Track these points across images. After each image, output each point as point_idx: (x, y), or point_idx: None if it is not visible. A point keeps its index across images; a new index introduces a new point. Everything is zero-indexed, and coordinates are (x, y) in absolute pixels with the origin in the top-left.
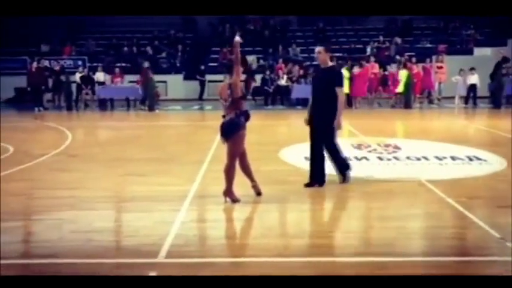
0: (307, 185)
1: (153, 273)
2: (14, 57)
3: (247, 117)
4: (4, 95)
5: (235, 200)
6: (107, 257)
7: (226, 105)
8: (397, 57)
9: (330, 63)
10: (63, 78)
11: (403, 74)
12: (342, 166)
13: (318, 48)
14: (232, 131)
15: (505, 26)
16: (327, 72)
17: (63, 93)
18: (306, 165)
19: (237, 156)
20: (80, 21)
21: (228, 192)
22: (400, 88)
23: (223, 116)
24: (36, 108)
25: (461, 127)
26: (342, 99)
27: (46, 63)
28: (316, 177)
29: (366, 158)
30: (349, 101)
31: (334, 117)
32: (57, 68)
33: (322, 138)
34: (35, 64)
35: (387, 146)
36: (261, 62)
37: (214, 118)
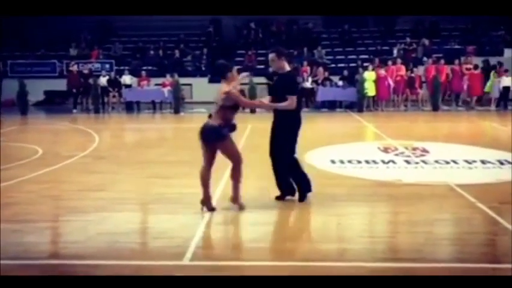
0: (278, 198)
1: (178, 274)
2: (43, 60)
3: (232, 129)
4: (34, 98)
5: (242, 207)
6: (132, 259)
7: (216, 109)
8: (425, 58)
9: (287, 68)
10: (91, 81)
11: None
12: (303, 184)
13: (270, 56)
14: (216, 139)
15: None
16: (282, 78)
17: (91, 96)
18: (331, 169)
19: (239, 156)
20: (107, 25)
21: (234, 198)
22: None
23: (209, 116)
24: (74, 110)
25: (491, 130)
26: (285, 105)
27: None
28: (284, 189)
29: (393, 161)
30: (375, 103)
31: (291, 128)
32: (86, 71)
33: (280, 149)
34: (75, 67)
35: (415, 149)
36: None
37: (240, 120)
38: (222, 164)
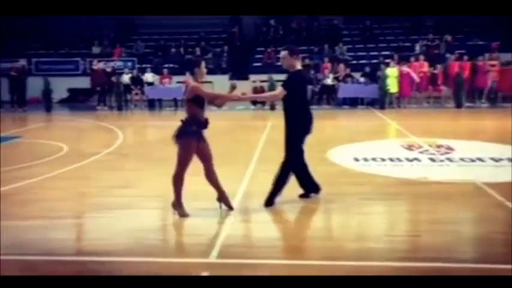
0: (302, 196)
1: (205, 273)
2: (67, 58)
3: (201, 125)
4: (58, 95)
5: (183, 215)
6: (158, 256)
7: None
8: (447, 55)
9: (298, 67)
10: (114, 79)
11: None
12: (273, 195)
13: (282, 53)
14: (178, 136)
15: None
16: (290, 77)
17: (114, 94)
18: (355, 167)
19: (184, 165)
20: (129, 23)
21: (176, 205)
22: None
23: None
24: (98, 107)
25: None
26: (268, 95)
27: (100, 64)
28: (308, 186)
29: (417, 159)
30: (397, 100)
31: (295, 130)
32: (108, 69)
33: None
34: (100, 65)
35: (439, 146)
36: (306, 61)
37: (260, 118)
38: (243, 160)
